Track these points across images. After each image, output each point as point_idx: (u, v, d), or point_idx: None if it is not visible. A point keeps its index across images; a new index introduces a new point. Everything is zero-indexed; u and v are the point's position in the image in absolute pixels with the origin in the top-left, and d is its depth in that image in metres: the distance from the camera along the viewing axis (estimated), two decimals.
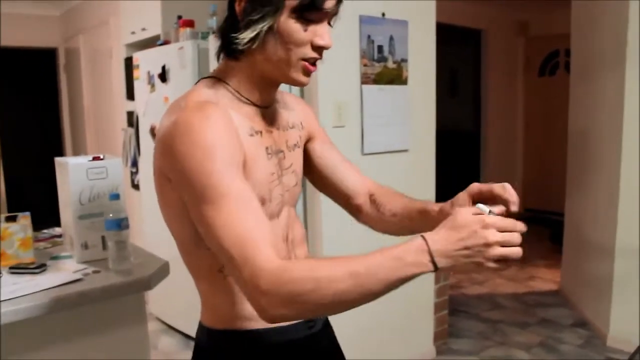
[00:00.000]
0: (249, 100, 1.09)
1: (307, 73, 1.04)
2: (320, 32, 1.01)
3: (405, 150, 2.98)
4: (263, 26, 0.99)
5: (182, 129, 0.94)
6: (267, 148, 1.09)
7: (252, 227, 0.90)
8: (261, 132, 1.09)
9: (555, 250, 4.84)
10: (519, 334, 3.52)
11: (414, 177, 3.02)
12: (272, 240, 0.91)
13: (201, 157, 0.92)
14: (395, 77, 2.93)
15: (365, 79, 2.80)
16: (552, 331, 3.54)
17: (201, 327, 1.13)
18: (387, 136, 2.91)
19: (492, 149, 6.72)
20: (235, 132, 0.99)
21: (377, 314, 2.82)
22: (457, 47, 6.44)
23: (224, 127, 0.96)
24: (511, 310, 3.95)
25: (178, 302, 3.33)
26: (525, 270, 4.81)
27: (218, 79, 1.08)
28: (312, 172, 1.28)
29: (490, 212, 0.89)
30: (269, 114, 1.13)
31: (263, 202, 1.06)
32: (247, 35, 1.00)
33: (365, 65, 2.80)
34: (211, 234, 0.91)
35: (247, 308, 1.03)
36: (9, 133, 6.36)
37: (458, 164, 6.69)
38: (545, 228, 5.80)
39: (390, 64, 2.90)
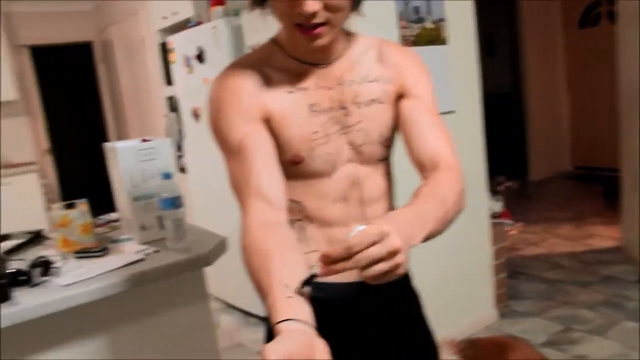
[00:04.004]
0: (296, 57, 1.10)
1: (311, 38, 1.01)
2: None
3: (452, 112, 2.90)
4: None
5: (208, 95, 1.10)
6: (311, 105, 1.08)
7: (246, 179, 1.00)
8: (306, 90, 1.09)
9: (610, 207, 4.70)
10: (581, 293, 3.43)
11: (463, 139, 2.93)
12: (269, 193, 0.98)
13: (215, 116, 1.07)
14: (434, 37, 2.84)
15: (404, 41, 2.72)
16: (616, 289, 3.43)
17: None
18: None
19: (536, 108, 6.51)
20: (252, 89, 1.06)
21: (434, 281, 2.78)
22: (492, 6, 6.24)
23: (237, 86, 1.06)
24: (571, 269, 3.85)
25: (236, 281, 3.36)
26: (582, 228, 4.67)
27: (275, 37, 1.13)
28: (399, 131, 1.18)
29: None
30: (328, 70, 1.11)
31: (301, 159, 1.09)
32: None
33: (403, 27, 2.72)
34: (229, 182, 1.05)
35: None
36: (56, 127, 6.53)
37: (502, 126, 6.53)
38: (597, 185, 5.63)
39: (429, 24, 2.82)
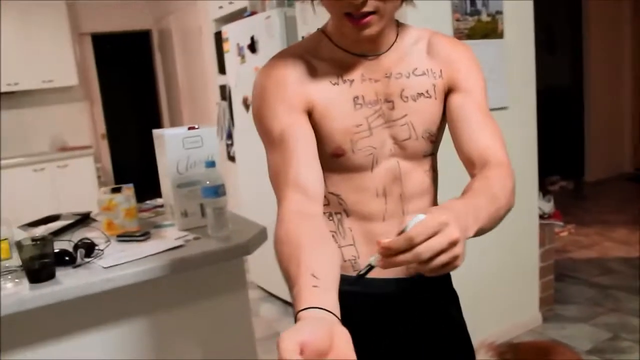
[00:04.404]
0: (344, 47, 1.09)
1: (360, 27, 0.98)
2: None
3: (505, 108, 2.82)
4: None
5: (254, 84, 1.10)
6: (355, 97, 1.07)
7: (284, 170, 0.99)
8: (352, 81, 1.08)
9: None
10: (633, 300, 3.29)
11: (515, 135, 2.85)
12: (306, 184, 0.97)
13: (258, 106, 1.07)
14: (490, 30, 2.76)
15: (458, 35, 2.66)
16: None
17: None
18: None
19: (596, 105, 6.25)
20: (297, 79, 1.06)
21: (477, 280, 2.73)
22: (553, 0, 6.03)
23: (282, 76, 1.06)
24: (623, 275, 3.70)
25: (277, 270, 3.37)
26: (638, 233, 4.48)
27: (324, 27, 1.13)
28: (449, 126, 1.14)
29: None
30: (376, 62, 1.09)
31: (342, 152, 1.08)
32: None
33: (457, 20, 2.65)
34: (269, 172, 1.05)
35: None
36: (113, 113, 6.74)
37: (559, 123, 6.32)
38: None
39: (484, 17, 2.74)
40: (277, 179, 1.01)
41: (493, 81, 2.79)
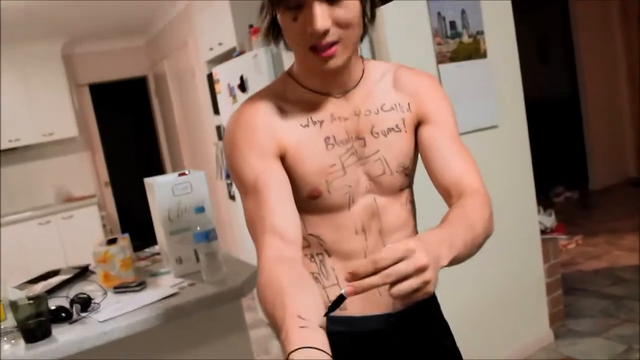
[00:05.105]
0: (311, 88, 1.10)
1: (326, 59, 1.00)
2: (309, 17, 0.96)
3: (495, 127, 2.83)
4: (266, 17, 1.04)
5: (225, 132, 1.12)
6: (327, 138, 1.08)
7: (260, 216, 1.00)
8: (321, 122, 1.09)
9: None
10: None
11: (509, 152, 2.86)
12: (283, 229, 0.98)
13: (230, 153, 1.07)
14: (472, 51, 2.79)
15: (441, 58, 2.68)
16: None
17: None
18: (473, 114, 2.77)
19: (595, 114, 6.22)
20: (267, 125, 1.06)
21: (484, 303, 2.70)
22: (542, 10, 6.08)
23: (252, 123, 1.06)
24: (635, 283, 3.64)
25: None
26: None
27: (289, 70, 1.14)
28: (421, 158, 1.15)
29: None
30: (344, 100, 1.10)
31: (319, 193, 1.09)
32: (264, 25, 1.04)
33: (439, 43, 2.68)
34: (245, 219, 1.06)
35: None
36: (114, 160, 6.81)
37: (559, 135, 6.31)
38: None
39: (466, 39, 2.77)
40: (254, 226, 1.02)
41: (481, 101, 2.81)
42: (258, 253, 0.98)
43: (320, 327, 0.80)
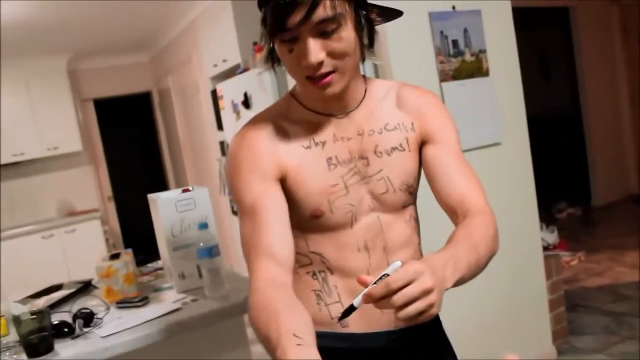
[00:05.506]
0: (313, 109, 1.10)
1: (322, 87, 1.01)
2: (303, 51, 0.97)
3: (498, 144, 2.84)
4: (264, 47, 1.06)
5: (227, 153, 1.13)
6: (329, 159, 1.09)
7: (256, 239, 1.01)
8: (324, 143, 1.09)
9: None
10: None
11: (511, 169, 2.86)
12: (277, 253, 0.99)
13: (232, 175, 1.09)
14: (475, 69, 2.81)
15: (444, 76, 2.71)
16: None
17: None
18: (476, 131, 2.78)
19: (597, 131, 6.23)
20: (269, 147, 1.07)
21: (486, 317, 2.70)
22: (543, 29, 6.12)
23: (254, 145, 1.08)
24: (637, 300, 3.63)
25: None
26: None
27: (292, 90, 1.15)
28: (426, 177, 1.17)
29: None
30: (347, 120, 1.11)
31: (321, 213, 1.09)
32: (263, 51, 1.06)
33: (441, 62, 2.71)
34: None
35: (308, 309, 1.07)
36: (117, 174, 6.83)
37: (562, 151, 6.32)
38: None
39: (468, 57, 2.79)
40: (249, 248, 1.03)
41: (484, 119, 2.83)
42: (251, 273, 1.00)
43: (314, 346, 0.82)
